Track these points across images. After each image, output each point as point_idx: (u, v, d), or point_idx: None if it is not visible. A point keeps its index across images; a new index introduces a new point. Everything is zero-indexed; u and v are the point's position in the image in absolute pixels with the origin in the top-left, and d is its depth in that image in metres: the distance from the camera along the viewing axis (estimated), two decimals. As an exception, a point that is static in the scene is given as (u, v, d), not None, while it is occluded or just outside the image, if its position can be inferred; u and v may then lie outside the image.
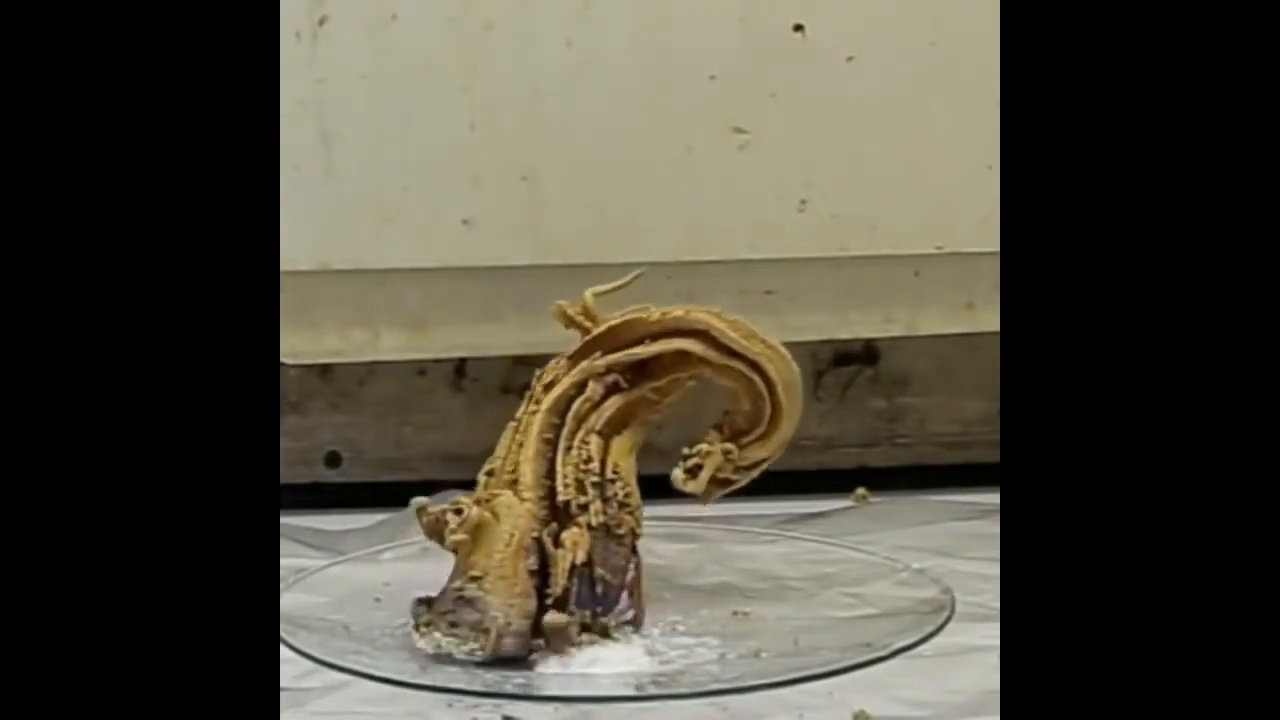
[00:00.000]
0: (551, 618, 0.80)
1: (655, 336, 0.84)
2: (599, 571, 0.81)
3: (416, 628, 0.80)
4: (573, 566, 0.81)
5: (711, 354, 0.84)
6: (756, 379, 0.84)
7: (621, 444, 0.84)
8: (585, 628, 0.81)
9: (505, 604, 0.79)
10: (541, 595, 0.81)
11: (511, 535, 0.81)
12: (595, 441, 0.83)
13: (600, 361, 0.83)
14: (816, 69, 1.03)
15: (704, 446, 0.84)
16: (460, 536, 0.80)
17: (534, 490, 0.82)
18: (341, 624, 0.84)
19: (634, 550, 0.83)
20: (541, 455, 0.83)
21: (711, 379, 0.85)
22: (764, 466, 0.85)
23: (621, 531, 0.82)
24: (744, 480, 0.85)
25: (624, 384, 0.84)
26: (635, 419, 0.84)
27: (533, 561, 0.81)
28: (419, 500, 0.86)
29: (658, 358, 0.84)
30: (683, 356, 0.84)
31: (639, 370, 0.84)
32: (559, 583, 0.80)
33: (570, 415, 0.83)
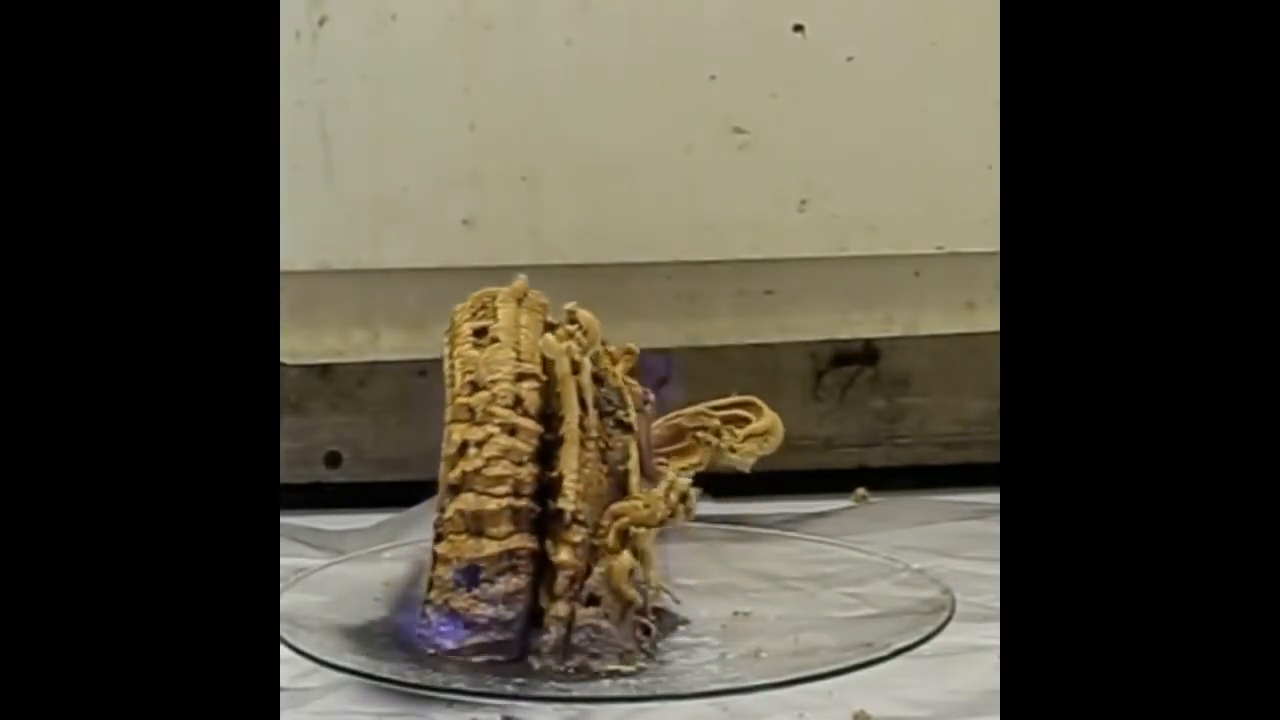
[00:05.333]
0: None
1: None
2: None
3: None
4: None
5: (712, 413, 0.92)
6: (747, 411, 0.91)
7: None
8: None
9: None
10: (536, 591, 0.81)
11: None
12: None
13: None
14: (816, 69, 1.03)
15: None
16: None
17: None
18: (341, 624, 0.84)
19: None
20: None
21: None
22: (767, 441, 0.90)
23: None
24: (754, 451, 0.90)
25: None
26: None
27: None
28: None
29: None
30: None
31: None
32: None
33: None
